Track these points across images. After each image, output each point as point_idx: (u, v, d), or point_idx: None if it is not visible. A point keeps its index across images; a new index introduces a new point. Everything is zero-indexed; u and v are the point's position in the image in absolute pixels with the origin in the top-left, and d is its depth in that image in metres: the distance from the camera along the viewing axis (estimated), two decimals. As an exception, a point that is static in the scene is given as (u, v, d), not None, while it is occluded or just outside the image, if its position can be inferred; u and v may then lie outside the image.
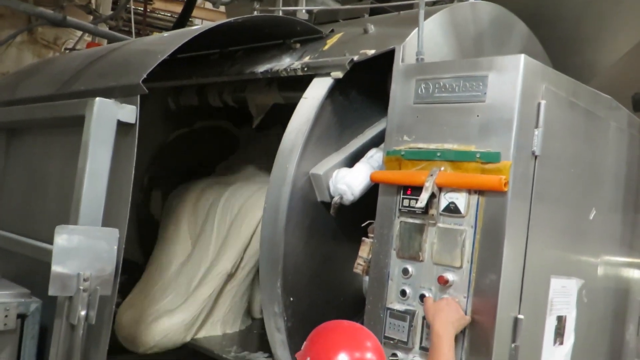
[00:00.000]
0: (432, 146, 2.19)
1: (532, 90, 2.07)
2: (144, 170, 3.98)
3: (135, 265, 4.02)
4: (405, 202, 2.22)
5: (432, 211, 2.13)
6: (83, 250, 2.06)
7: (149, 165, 4.01)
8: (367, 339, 1.79)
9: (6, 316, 2.20)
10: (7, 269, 2.69)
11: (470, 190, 2.07)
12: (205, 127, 4.23)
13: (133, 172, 2.22)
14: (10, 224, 2.93)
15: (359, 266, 2.40)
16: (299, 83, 2.76)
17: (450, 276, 2.07)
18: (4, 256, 2.86)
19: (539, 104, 2.09)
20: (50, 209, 2.65)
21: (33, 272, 2.54)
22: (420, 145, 2.23)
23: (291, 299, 2.44)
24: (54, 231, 2.08)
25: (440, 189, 2.12)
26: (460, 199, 2.08)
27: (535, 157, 2.09)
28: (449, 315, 1.98)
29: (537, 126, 2.09)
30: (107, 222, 2.19)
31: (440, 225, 2.13)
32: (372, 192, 2.43)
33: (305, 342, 1.81)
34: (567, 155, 2.27)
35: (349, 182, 2.41)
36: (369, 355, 1.73)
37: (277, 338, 2.45)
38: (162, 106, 4.06)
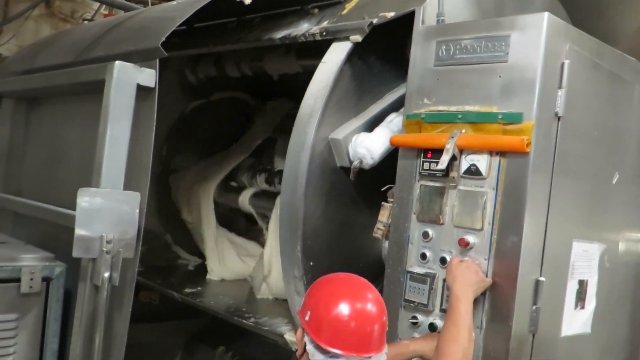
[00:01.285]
0: (453, 108, 2.16)
1: (555, 50, 2.03)
2: (162, 142, 4.00)
3: (154, 235, 4.07)
4: (426, 166, 2.20)
5: (453, 174, 2.12)
6: (105, 213, 2.08)
7: (167, 137, 4.03)
8: (368, 290, 1.76)
9: (31, 279, 2.24)
10: (31, 236, 2.73)
11: (491, 152, 2.05)
12: (223, 98, 4.23)
13: (153, 136, 2.23)
14: (33, 191, 2.97)
15: (378, 231, 2.40)
16: (317, 50, 2.74)
17: (470, 238, 2.06)
18: (28, 223, 2.91)
19: (562, 64, 2.05)
20: (72, 176, 2.68)
21: (56, 238, 2.58)
22: (441, 107, 2.20)
23: (311, 263, 2.45)
24: (76, 197, 2.10)
25: (461, 151, 2.10)
26: (482, 161, 2.06)
27: (558, 118, 2.05)
28: (468, 277, 1.97)
29: (560, 86, 2.05)
30: (128, 186, 2.21)
31: (461, 187, 2.12)
32: (391, 156, 2.42)
33: (304, 298, 1.79)
34: (590, 118, 2.24)
35: (368, 146, 2.40)
36: (369, 305, 1.70)
37: (297, 302, 2.47)
38: (180, 77, 4.07)
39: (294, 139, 2.45)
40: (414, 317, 2.19)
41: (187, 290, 3.44)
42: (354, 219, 2.60)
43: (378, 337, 1.68)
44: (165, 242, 4.13)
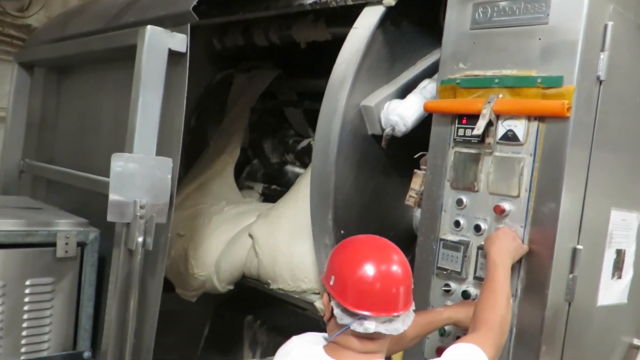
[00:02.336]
0: (490, 73, 2.10)
1: (598, 11, 1.96)
2: (191, 111, 3.99)
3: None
4: (461, 132, 2.16)
5: (489, 140, 2.07)
6: (138, 178, 2.09)
7: (195, 106, 4.02)
8: (391, 251, 1.72)
9: (67, 244, 2.27)
10: (65, 203, 2.77)
11: (530, 117, 1.99)
12: (251, 68, 4.20)
13: (185, 102, 2.23)
14: (66, 160, 3.01)
15: (410, 199, 2.37)
16: (346, 18, 2.69)
17: (506, 206, 2.02)
18: (62, 191, 2.95)
19: (605, 26, 1.98)
20: (105, 143, 2.70)
21: (90, 205, 2.61)
22: (477, 72, 2.14)
23: (342, 232, 2.44)
24: (108, 165, 2.11)
25: (497, 117, 2.05)
26: (519, 127, 2.01)
27: (600, 82, 1.98)
28: (506, 243, 1.93)
29: (602, 49, 1.98)
30: (160, 152, 2.22)
31: (497, 154, 2.07)
32: (423, 124, 2.38)
33: (327, 263, 1.76)
34: (633, 82, 2.16)
35: (401, 113, 2.36)
36: (394, 267, 1.67)
37: (328, 269, 2.47)
38: (208, 47, 4.04)
39: (325, 105, 2.43)
40: (447, 285, 2.16)
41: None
42: (385, 188, 2.57)
43: (404, 296, 1.66)
44: (195, 212, 4.15)
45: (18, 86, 3.23)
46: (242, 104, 4.00)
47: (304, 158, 3.92)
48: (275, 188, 4.21)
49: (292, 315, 3.72)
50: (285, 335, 3.23)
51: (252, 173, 4.50)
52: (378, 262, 1.65)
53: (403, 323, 1.66)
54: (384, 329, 1.62)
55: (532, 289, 1.99)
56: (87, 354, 2.38)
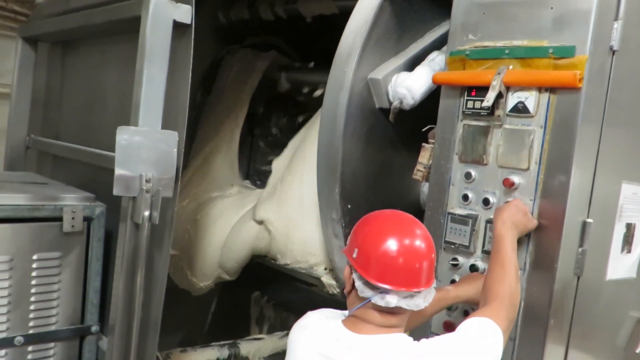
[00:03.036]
0: (500, 44, 2.07)
1: (612, -21, 1.91)
2: (196, 87, 3.96)
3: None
4: (470, 104, 2.13)
5: (499, 112, 2.04)
6: (144, 151, 2.07)
7: (201, 82, 3.99)
8: (416, 226, 1.72)
9: (73, 218, 2.26)
10: (71, 178, 2.75)
11: (540, 89, 1.96)
12: (256, 43, 4.15)
13: (190, 75, 2.19)
14: (72, 135, 2.99)
15: (418, 172, 2.35)
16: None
17: (516, 179, 2.00)
18: (68, 166, 2.94)
19: (619, -6, 1.93)
20: (110, 118, 2.67)
21: (95, 181, 2.60)
22: (487, 43, 2.11)
23: (349, 206, 2.43)
24: (113, 140, 2.09)
25: (507, 88, 2.02)
26: (530, 98, 1.98)
27: (613, 52, 1.94)
28: (513, 215, 1.91)
29: (616, 18, 1.93)
30: (166, 126, 2.19)
31: (506, 126, 2.04)
32: (431, 97, 2.34)
33: (350, 235, 1.76)
34: (647, 53, 2.11)
35: (409, 86, 2.33)
36: (417, 242, 1.66)
37: (335, 244, 2.46)
38: (213, 22, 3.99)
39: (333, 78, 2.39)
40: (454, 259, 2.15)
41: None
42: (392, 161, 2.55)
43: (427, 272, 1.65)
44: (201, 189, 4.14)
45: (22, 61, 3.20)
46: (245, 79, 3.95)
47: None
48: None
49: (299, 292, 3.72)
50: (292, 311, 3.25)
51: (262, 155, 4.47)
52: (402, 237, 1.65)
53: (424, 299, 1.65)
54: (405, 304, 1.62)
55: (541, 263, 1.97)
56: (94, 328, 2.39)
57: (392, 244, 1.62)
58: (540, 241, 1.97)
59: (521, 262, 1.98)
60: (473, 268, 2.09)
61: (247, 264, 4.35)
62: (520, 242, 1.96)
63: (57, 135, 3.16)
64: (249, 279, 4.32)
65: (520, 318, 1.98)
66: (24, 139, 3.21)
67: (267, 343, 3.49)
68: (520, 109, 2.00)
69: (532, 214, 1.96)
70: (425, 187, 2.47)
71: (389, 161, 2.54)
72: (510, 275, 1.81)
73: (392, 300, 1.60)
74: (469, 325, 1.67)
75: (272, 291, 4.12)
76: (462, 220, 2.13)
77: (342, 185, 2.39)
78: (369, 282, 1.62)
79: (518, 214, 1.92)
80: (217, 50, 4.09)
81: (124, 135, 2.03)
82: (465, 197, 2.14)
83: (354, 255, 1.66)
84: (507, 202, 1.99)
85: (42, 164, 3.19)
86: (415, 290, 1.62)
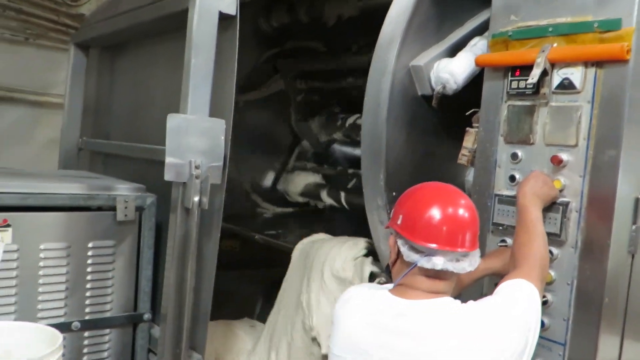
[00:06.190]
0: (543, 22, 2.05)
1: (659, -52, 1.88)
2: (238, 91, 4.02)
3: (232, 183, 4.15)
4: (514, 84, 2.11)
5: (544, 90, 2.02)
6: (193, 138, 2.14)
7: (242, 86, 4.07)
8: (460, 196, 1.74)
9: (126, 207, 2.34)
10: (122, 173, 2.84)
11: (587, 64, 1.93)
12: (297, 47, 4.22)
13: (236, 65, 2.26)
14: (121, 135, 3.10)
15: (463, 157, 2.34)
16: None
17: (564, 156, 1.97)
18: (118, 165, 3.04)
19: (666, -36, 1.90)
20: (158, 116, 2.75)
21: (145, 177, 2.67)
22: (530, 23, 2.09)
23: (394, 193, 2.43)
24: (162, 136, 2.17)
25: (552, 66, 2.00)
26: (576, 74, 1.95)
27: (660, 23, 1.91)
28: (533, 186, 1.91)
29: (663, -11, 1.90)
30: (213, 115, 2.25)
31: (552, 104, 2.02)
32: (473, 84, 2.34)
33: (394, 207, 1.78)
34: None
35: (451, 70, 2.33)
36: (461, 211, 1.68)
37: (381, 231, 2.46)
38: (254, 27, 4.08)
39: (375, 65, 2.42)
40: (503, 241, 2.13)
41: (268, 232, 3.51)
42: (436, 149, 2.55)
43: (471, 237, 1.67)
44: (244, 190, 4.21)
45: (75, 67, 3.34)
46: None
47: (353, 135, 3.92)
48: (326, 167, 4.24)
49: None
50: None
51: (302, 154, 4.53)
52: (447, 204, 1.68)
53: (470, 263, 1.66)
54: (451, 266, 1.63)
55: (593, 241, 1.93)
56: (147, 316, 2.44)
57: (437, 209, 1.65)
58: (591, 218, 1.93)
59: (572, 239, 1.94)
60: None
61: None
62: (570, 219, 1.93)
63: (107, 136, 3.28)
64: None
65: (574, 297, 1.94)
66: (76, 141, 3.34)
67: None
68: (566, 86, 1.98)
69: (581, 192, 1.93)
70: (470, 175, 2.46)
71: (432, 148, 2.54)
72: (537, 240, 1.81)
73: (438, 262, 1.60)
74: (507, 287, 1.67)
75: (316, 292, 4.12)
76: (509, 201, 2.11)
77: (386, 172, 2.39)
78: (414, 246, 1.63)
79: (538, 184, 1.92)
80: (259, 56, 4.18)
81: (174, 122, 2.10)
82: (512, 178, 2.12)
83: (399, 222, 1.68)
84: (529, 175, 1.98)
85: (93, 164, 3.31)
86: (460, 250, 1.62)
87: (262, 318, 4.35)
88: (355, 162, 4.03)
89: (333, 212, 4.22)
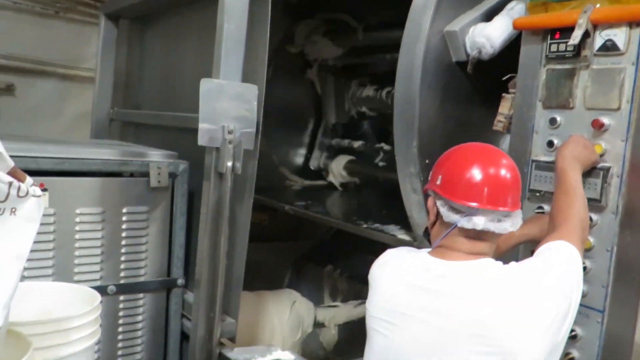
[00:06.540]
0: (585, -18, 1.99)
1: None
2: (268, 62, 4.00)
3: (261, 155, 4.16)
4: (553, 47, 2.06)
5: (585, 52, 1.97)
6: (226, 103, 2.13)
7: (272, 57, 4.04)
8: (502, 156, 1.70)
9: (159, 174, 2.35)
10: (154, 143, 2.85)
11: (631, 24, 1.87)
12: (327, 19, 4.17)
13: (268, 31, 2.24)
14: (152, 105, 3.11)
15: (499, 123, 2.30)
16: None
17: (606, 120, 1.92)
18: (149, 134, 3.06)
19: None
20: (189, 83, 2.75)
21: (177, 144, 2.68)
22: (571, -17, 2.04)
23: (427, 161, 2.40)
24: (193, 103, 2.16)
25: (594, 27, 1.94)
26: (619, 35, 1.89)
27: None
28: (572, 150, 1.87)
29: None
30: (245, 80, 2.24)
31: (594, 66, 1.96)
32: (509, 49, 2.29)
33: (432, 169, 1.75)
34: None
35: (488, 34, 2.28)
36: (503, 171, 1.63)
37: (413, 199, 2.44)
38: (285, -1, 4.04)
39: (408, 31, 2.37)
40: (540, 207, 2.09)
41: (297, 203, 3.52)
42: (470, 117, 2.51)
43: (513, 197, 1.63)
44: (272, 163, 4.21)
45: (105, 37, 3.35)
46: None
47: (383, 108, 3.88)
48: (350, 142, 4.21)
49: (370, 265, 3.71)
50: (366, 283, 3.25)
51: (328, 129, 4.51)
52: (488, 163, 1.64)
53: (512, 224, 1.63)
54: (493, 226, 1.59)
55: (635, 206, 1.89)
56: (180, 281, 2.47)
57: (478, 169, 1.61)
58: (633, 183, 1.89)
59: (613, 205, 1.90)
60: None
61: (320, 239, 4.41)
62: (611, 184, 1.89)
63: (138, 107, 3.29)
64: (321, 255, 4.39)
65: (613, 264, 1.90)
66: (108, 112, 3.36)
67: (342, 311, 3.52)
68: (609, 47, 1.92)
69: (623, 156, 1.88)
70: (505, 143, 2.41)
71: (466, 116, 2.50)
72: (577, 202, 1.76)
73: (479, 222, 1.57)
74: (547, 250, 1.63)
75: (344, 265, 4.14)
76: (547, 166, 2.07)
77: (419, 140, 2.36)
78: (454, 207, 1.60)
79: (577, 147, 1.88)
80: (289, 27, 4.14)
81: (207, 87, 2.09)
82: (551, 144, 2.07)
83: (438, 182, 1.65)
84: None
85: (125, 135, 3.34)
86: (502, 209, 1.59)
87: (291, 287, 4.40)
88: (384, 136, 4.01)
89: (361, 187, 4.21)
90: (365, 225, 2.94)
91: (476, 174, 1.60)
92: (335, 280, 4.10)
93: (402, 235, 2.68)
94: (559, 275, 1.56)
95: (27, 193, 1.31)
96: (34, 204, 1.33)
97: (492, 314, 1.48)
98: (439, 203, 1.66)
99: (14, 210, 1.30)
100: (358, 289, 3.87)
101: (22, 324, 1.56)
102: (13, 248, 1.31)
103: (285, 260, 4.40)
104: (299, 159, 4.40)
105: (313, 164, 4.39)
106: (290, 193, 4.08)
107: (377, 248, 2.82)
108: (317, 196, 3.91)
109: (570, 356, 1.97)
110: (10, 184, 1.27)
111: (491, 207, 1.58)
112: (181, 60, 2.90)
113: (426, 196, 1.79)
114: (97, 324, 1.81)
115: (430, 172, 1.76)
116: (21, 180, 1.32)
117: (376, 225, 2.95)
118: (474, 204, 1.58)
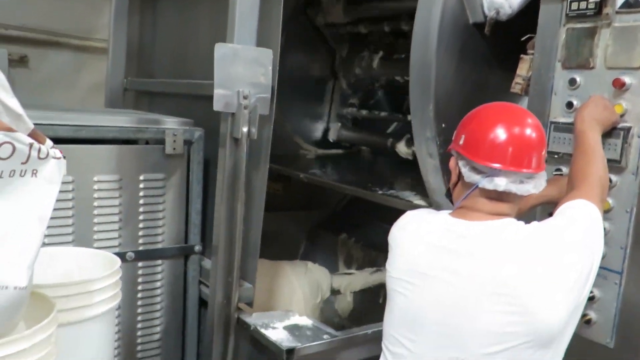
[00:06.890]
0: (608, -63, 1.94)
1: None
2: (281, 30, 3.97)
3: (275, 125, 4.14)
4: (574, 6, 2.01)
5: (607, 10, 1.92)
6: (240, 68, 2.12)
7: (285, 25, 3.99)
8: (527, 115, 1.67)
9: (174, 141, 2.35)
10: (168, 111, 2.85)
11: (655, -21, 1.82)
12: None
13: (282, -7, 2.21)
14: (167, 72, 3.10)
15: (517, 85, 2.26)
16: None
17: (627, 79, 1.88)
18: (164, 104, 3.06)
19: None
20: (203, 51, 2.74)
21: (191, 112, 2.68)
22: (593, -61, 1.98)
23: (443, 125, 2.38)
24: (207, 70, 2.15)
25: (617, -17, 1.90)
26: (643, -9, 1.85)
27: None
28: (592, 111, 1.83)
29: None
30: (260, 45, 2.23)
31: (616, 24, 1.92)
32: (525, 11, 2.24)
33: (456, 130, 1.72)
34: None
35: (506, -6, 2.23)
36: (528, 131, 1.60)
37: (430, 164, 2.43)
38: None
39: (425, -7, 2.33)
40: (558, 169, 2.07)
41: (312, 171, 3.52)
42: (487, 79, 2.48)
43: (537, 158, 1.61)
44: (286, 132, 4.20)
45: (117, 7, 3.32)
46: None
47: (398, 75, 3.84)
48: (364, 112, 4.18)
49: (385, 233, 3.72)
50: (382, 251, 3.25)
51: (344, 98, 4.47)
52: (513, 123, 1.61)
53: (535, 185, 1.61)
54: (515, 188, 1.57)
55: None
56: (197, 248, 2.49)
57: (502, 129, 1.58)
58: (654, 145, 1.86)
59: (633, 166, 1.88)
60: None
61: (333, 208, 4.41)
62: (632, 145, 1.86)
63: (152, 76, 3.28)
64: (335, 224, 4.40)
65: (632, 225, 1.89)
66: (121, 82, 3.36)
67: (357, 278, 3.54)
68: (631, 4, 1.87)
69: (643, 115, 1.85)
70: (526, 100, 2.38)
71: (483, 79, 2.47)
72: (596, 162, 1.74)
73: (500, 183, 1.56)
74: (567, 209, 1.61)
75: (359, 233, 4.15)
76: (566, 128, 2.04)
77: (436, 103, 2.34)
78: (476, 167, 1.59)
79: (597, 109, 1.84)
80: (299, -2, 4.08)
81: (221, 50, 2.08)
82: (570, 105, 2.04)
83: (461, 142, 1.63)
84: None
85: (139, 104, 3.33)
86: (526, 171, 1.57)
87: (306, 259, 4.44)
88: (399, 106, 3.98)
89: (375, 155, 4.20)
90: (380, 192, 2.94)
91: (500, 133, 1.57)
92: (350, 249, 4.12)
93: (418, 201, 2.68)
94: (581, 230, 1.54)
95: (48, 155, 1.32)
96: (54, 166, 1.34)
97: (513, 273, 1.47)
98: (460, 163, 1.64)
99: (35, 172, 1.31)
100: (373, 256, 3.89)
101: (46, 287, 1.58)
102: (35, 210, 1.32)
103: (300, 229, 4.42)
104: (313, 128, 4.38)
105: (332, 136, 4.36)
106: (304, 162, 4.08)
107: (392, 215, 2.81)
108: (332, 165, 3.91)
109: (588, 317, 1.96)
110: (31, 145, 1.28)
111: (514, 168, 1.56)
112: (194, 27, 2.88)
113: (448, 157, 1.77)
114: (117, 287, 1.83)
115: (455, 132, 1.74)
116: (41, 142, 1.32)
117: (391, 191, 2.94)
118: (496, 165, 1.56)
